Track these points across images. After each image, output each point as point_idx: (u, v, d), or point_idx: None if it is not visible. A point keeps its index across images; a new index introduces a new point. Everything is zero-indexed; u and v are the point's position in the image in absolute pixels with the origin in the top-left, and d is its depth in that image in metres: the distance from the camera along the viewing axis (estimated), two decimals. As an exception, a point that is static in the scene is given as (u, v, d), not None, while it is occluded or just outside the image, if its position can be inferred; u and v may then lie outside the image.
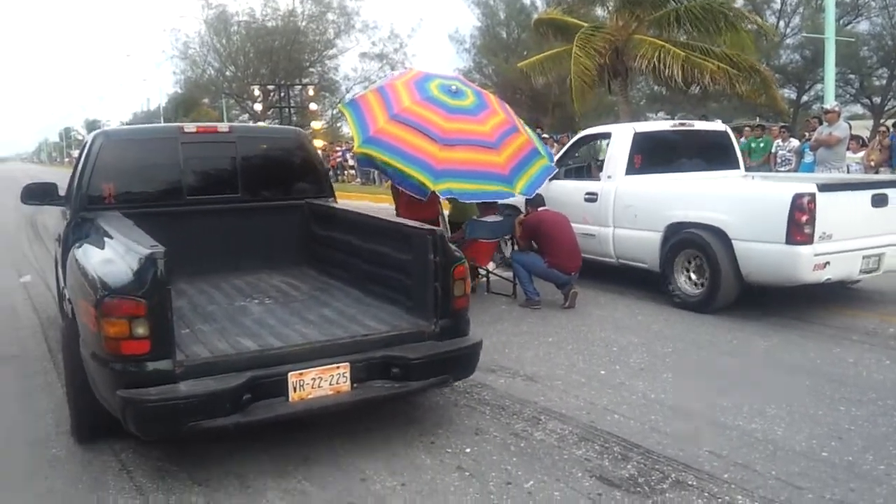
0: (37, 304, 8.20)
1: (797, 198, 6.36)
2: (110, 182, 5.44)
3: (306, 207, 6.11)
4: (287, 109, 12.79)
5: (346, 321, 4.47)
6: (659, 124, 8.13)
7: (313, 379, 3.84)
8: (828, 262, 6.48)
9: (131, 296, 3.50)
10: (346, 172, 32.32)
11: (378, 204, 21.74)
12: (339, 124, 44.82)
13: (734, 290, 7.00)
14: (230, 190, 5.88)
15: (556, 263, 7.45)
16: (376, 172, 29.61)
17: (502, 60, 37.65)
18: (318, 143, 15.04)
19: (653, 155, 8.27)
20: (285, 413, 3.80)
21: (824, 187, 6.52)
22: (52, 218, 7.96)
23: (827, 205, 6.40)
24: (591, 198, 8.29)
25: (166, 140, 5.90)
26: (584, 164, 9.42)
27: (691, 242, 7.22)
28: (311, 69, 45.52)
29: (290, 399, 3.78)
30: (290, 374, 3.78)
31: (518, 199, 7.97)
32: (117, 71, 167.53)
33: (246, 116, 52.82)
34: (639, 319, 7.12)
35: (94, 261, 4.03)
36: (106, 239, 4.43)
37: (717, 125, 10.05)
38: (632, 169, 8.11)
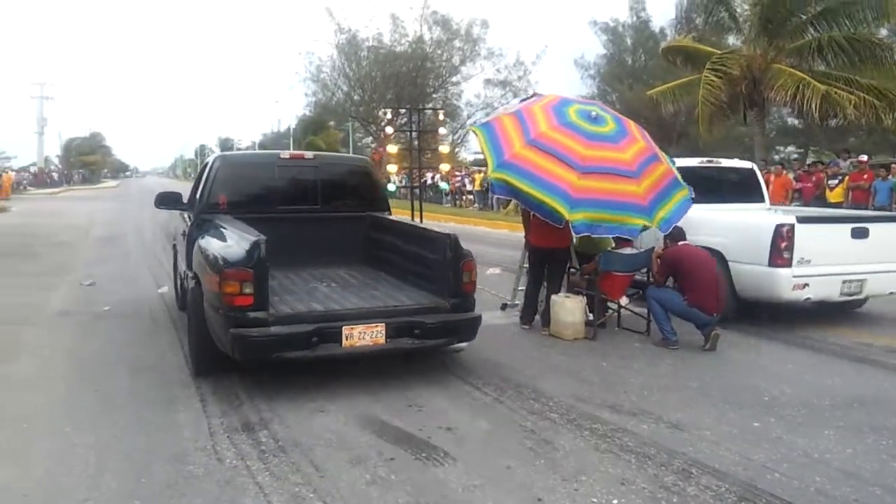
0: (175, 315, 8.49)
1: (779, 227, 7.56)
2: (224, 193, 7.20)
3: (368, 218, 7.71)
4: (414, 133, 12.81)
5: (386, 298, 6.18)
6: (688, 161, 9.25)
7: (359, 333, 5.49)
8: (807, 284, 7.61)
9: (243, 267, 5.23)
10: (463, 197, 32.46)
11: (495, 230, 21.64)
12: (456, 150, 45.23)
13: (731, 304, 7.89)
14: (312, 202, 7.56)
15: (696, 302, 7.01)
16: (494, 198, 29.83)
17: (627, 88, 36.99)
18: (445, 167, 15.00)
19: None
20: (339, 354, 5.51)
21: (803, 219, 7.76)
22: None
23: (805, 235, 7.57)
24: None
25: (267, 164, 7.94)
26: None
27: None
28: (434, 95, 46.26)
29: (343, 345, 5.45)
30: (343, 327, 5.45)
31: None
32: (252, 92, 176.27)
33: (370, 139, 54.35)
34: (789, 367, 6.57)
35: (215, 246, 5.84)
36: (223, 231, 6.23)
37: (744, 163, 10.50)
38: None
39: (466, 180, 32.20)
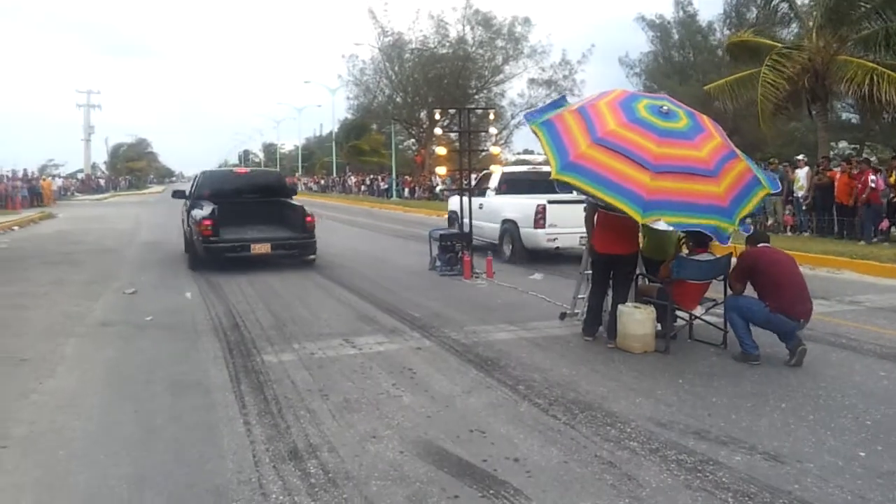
0: (221, 323, 8.15)
1: (538, 206, 12.74)
2: (205, 189, 13.91)
3: (277, 201, 14.31)
4: (464, 134, 12.35)
5: (275, 233, 13.08)
6: (519, 167, 15.92)
7: (259, 247, 12.42)
8: (556, 237, 12.81)
9: (207, 217, 12.06)
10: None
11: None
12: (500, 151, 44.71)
13: (524, 252, 13.33)
14: (250, 194, 14.28)
15: (780, 307, 6.38)
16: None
17: (675, 84, 36.00)
18: (496, 168, 14.56)
19: (510, 185, 14.78)
20: (251, 255, 12.29)
21: (551, 202, 12.55)
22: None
23: (553, 210, 12.68)
24: (481, 205, 14.10)
25: (227, 174, 16.86)
26: (484, 187, 15.19)
27: (508, 228, 13.75)
28: (476, 96, 45.77)
29: (252, 252, 12.29)
30: (251, 244, 12.42)
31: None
32: (294, 97, 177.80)
33: (412, 141, 54.07)
34: (885, 385, 5.92)
35: (197, 212, 12.57)
36: (202, 206, 12.78)
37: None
38: (499, 191, 14.76)
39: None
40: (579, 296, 8.08)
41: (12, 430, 4.87)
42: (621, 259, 7.16)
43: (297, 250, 12.75)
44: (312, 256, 12.91)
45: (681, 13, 38.91)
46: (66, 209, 35.32)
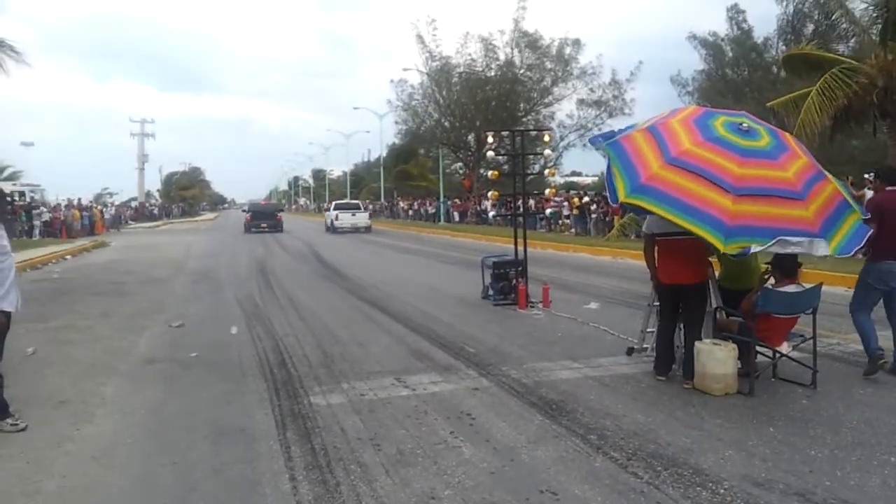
0: (267, 360, 7.78)
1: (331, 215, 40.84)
2: (250, 208, 49.76)
3: (279, 218, 43.41)
4: (514, 157, 11.84)
5: (268, 223, 42.53)
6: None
7: (264, 226, 42.36)
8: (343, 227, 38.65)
9: (249, 215, 44.92)
10: (561, 222, 31.32)
11: (597, 257, 20.38)
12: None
13: None
14: (268, 218, 42.66)
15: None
16: (591, 223, 28.52)
17: (730, 102, 35.08)
18: (550, 192, 14.01)
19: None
20: (260, 230, 41.21)
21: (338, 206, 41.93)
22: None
23: (338, 214, 40.22)
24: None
25: (256, 205, 51.90)
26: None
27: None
28: (524, 118, 45.37)
29: (259, 228, 41.72)
30: (260, 225, 42.40)
31: None
32: (344, 124, 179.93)
33: (459, 165, 53.86)
34: None
35: (245, 213, 48.09)
36: (248, 211, 47.54)
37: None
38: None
39: (565, 204, 31.04)
40: (648, 329, 7.48)
41: (44, 485, 4.50)
42: (688, 289, 6.57)
43: (274, 230, 39.55)
44: (280, 231, 39.04)
45: (734, 30, 38.09)
46: (119, 237, 35.85)
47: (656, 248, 6.78)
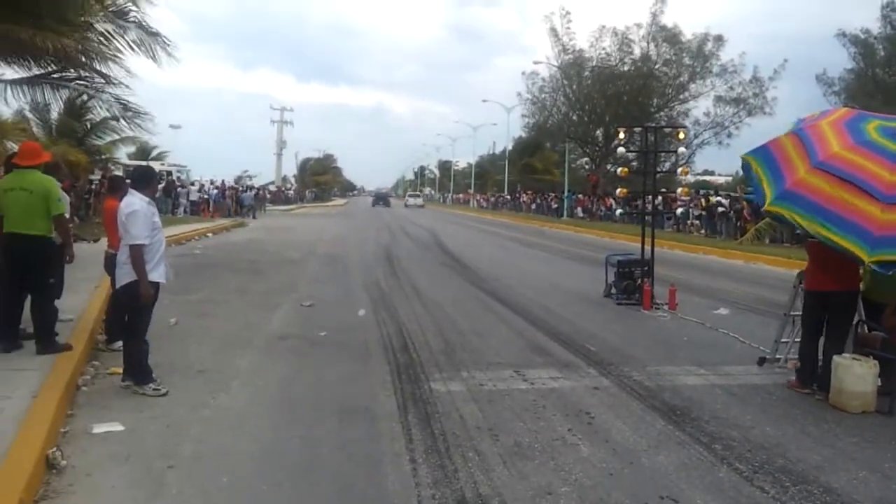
0: (391, 343, 8.02)
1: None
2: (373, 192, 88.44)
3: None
4: (650, 154, 11.51)
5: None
6: None
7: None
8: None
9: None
10: (689, 222, 30.36)
11: (727, 260, 19.61)
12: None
13: None
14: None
15: None
16: (723, 224, 27.41)
17: (880, 104, 32.70)
18: (683, 191, 13.58)
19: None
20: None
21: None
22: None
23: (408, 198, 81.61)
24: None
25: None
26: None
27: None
28: (657, 115, 44.08)
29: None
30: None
31: None
32: (472, 115, 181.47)
33: (585, 160, 53.08)
34: None
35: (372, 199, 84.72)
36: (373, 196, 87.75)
37: None
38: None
39: (692, 205, 30.06)
40: (782, 339, 7.15)
41: (181, 448, 4.82)
42: (838, 297, 6.21)
43: (386, 205, 70.64)
44: (388, 206, 63.72)
45: (888, 29, 35.35)
46: (257, 219, 37.67)
47: (806, 251, 6.46)
